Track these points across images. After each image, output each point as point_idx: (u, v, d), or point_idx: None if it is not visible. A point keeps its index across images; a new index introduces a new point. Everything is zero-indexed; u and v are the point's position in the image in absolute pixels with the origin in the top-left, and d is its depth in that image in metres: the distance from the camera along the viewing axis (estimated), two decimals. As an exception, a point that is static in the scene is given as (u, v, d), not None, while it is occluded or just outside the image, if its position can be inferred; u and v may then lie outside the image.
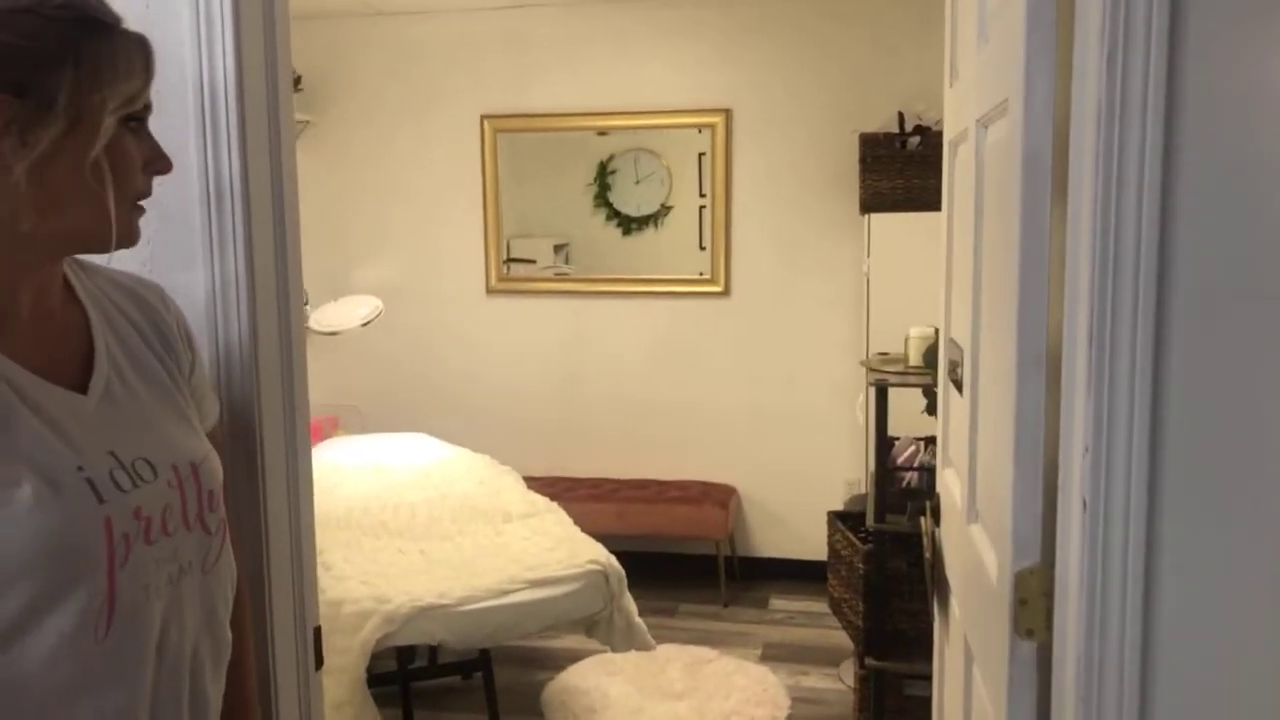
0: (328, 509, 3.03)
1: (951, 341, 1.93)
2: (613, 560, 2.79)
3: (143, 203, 1.06)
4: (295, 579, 1.45)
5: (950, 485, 1.96)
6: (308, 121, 4.86)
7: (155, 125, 1.33)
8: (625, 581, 2.79)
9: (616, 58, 4.70)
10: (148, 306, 1.15)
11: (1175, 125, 1.09)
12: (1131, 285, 1.11)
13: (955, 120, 1.92)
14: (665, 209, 4.82)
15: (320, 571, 2.70)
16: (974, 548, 1.66)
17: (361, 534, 2.90)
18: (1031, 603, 1.34)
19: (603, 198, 4.90)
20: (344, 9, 4.72)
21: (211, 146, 1.34)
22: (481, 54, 4.78)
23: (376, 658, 2.84)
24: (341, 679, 2.39)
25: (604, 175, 4.87)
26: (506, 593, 2.55)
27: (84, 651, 0.95)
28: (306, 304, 4.48)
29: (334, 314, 4.04)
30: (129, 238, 1.03)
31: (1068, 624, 1.24)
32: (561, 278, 4.95)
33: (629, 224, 4.90)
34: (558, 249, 5.08)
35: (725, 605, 4.49)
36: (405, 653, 3.13)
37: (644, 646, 2.85)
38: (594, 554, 2.80)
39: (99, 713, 0.97)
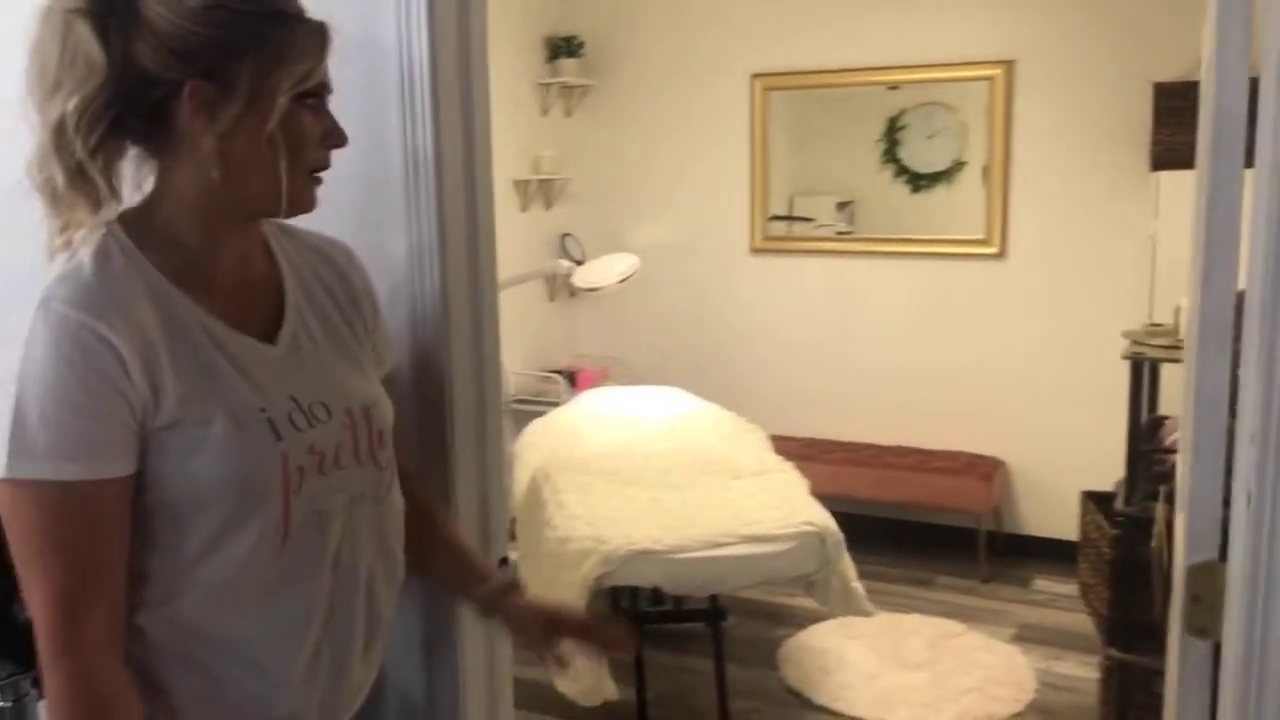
0: (570, 453, 3.23)
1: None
2: (830, 523, 2.79)
3: (335, 172, 1.19)
4: (480, 517, 1.58)
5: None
6: (589, 86, 5.09)
7: (363, 101, 1.50)
8: (843, 545, 2.77)
9: (892, 11, 4.56)
10: (336, 267, 1.30)
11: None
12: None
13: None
14: (958, 165, 4.61)
15: (555, 509, 2.90)
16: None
17: (596, 478, 3.07)
18: (1205, 600, 1.24)
19: (891, 154, 4.76)
20: (626, -25, 4.89)
21: (410, 121, 1.47)
22: (754, 13, 4.79)
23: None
24: (563, 612, 2.57)
25: (893, 131, 4.73)
26: (719, 545, 2.63)
27: (266, 562, 1.12)
28: (580, 261, 4.74)
29: (594, 272, 4.24)
30: (303, 205, 1.16)
31: (1230, 623, 1.14)
32: (822, 237, 4.90)
33: (918, 181, 4.74)
34: (841, 206, 5.02)
35: (984, 581, 4.32)
36: (645, 597, 3.29)
37: (861, 612, 2.83)
38: (811, 515, 2.80)
39: (284, 612, 1.15)
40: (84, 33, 1.03)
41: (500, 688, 1.63)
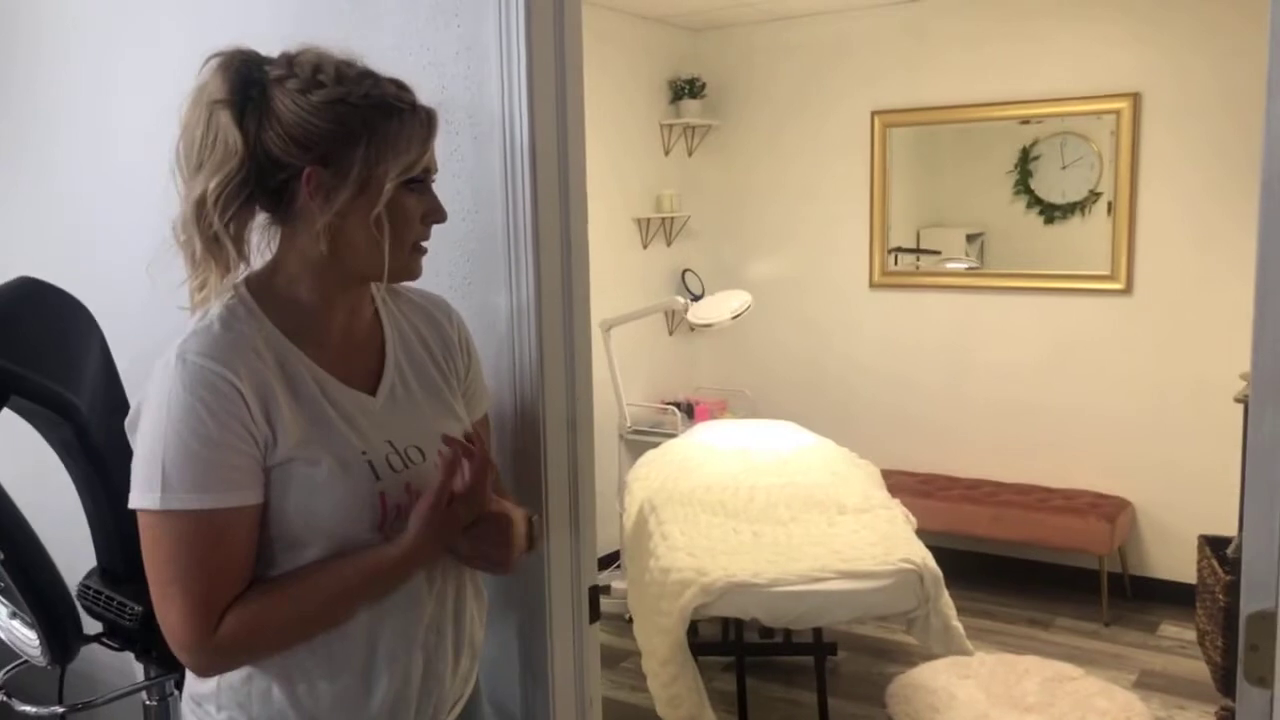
0: (677, 486, 3.33)
1: None
2: (929, 560, 2.80)
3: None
4: (573, 547, 1.71)
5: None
6: (710, 125, 5.23)
7: (471, 167, 1.66)
8: (942, 583, 2.79)
9: (1011, 46, 4.55)
10: (435, 322, 1.45)
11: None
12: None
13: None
14: (1094, 195, 4.55)
15: (659, 540, 3.01)
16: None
17: (700, 510, 3.16)
18: (1262, 649, 1.26)
19: (1024, 184, 4.74)
20: (749, 17, 5.01)
21: (511, 188, 1.62)
22: (874, 52, 4.85)
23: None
24: (665, 639, 2.66)
25: (1026, 161, 4.71)
26: (817, 580, 2.68)
27: None
28: (699, 297, 4.86)
29: (708, 308, 4.35)
30: (406, 275, 1.32)
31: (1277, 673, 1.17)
32: (942, 272, 4.89)
33: (1052, 212, 4.70)
34: (971, 239, 5.01)
35: (1106, 624, 4.22)
36: (755, 629, 3.36)
37: (961, 651, 2.84)
38: (910, 553, 2.83)
39: (384, 629, 1.29)
40: (225, 121, 1.19)
41: (588, 700, 1.74)
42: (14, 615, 1.64)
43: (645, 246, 5.09)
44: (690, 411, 4.96)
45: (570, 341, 1.68)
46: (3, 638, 1.63)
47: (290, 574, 1.24)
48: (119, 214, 2.17)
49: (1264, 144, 1.22)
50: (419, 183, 1.27)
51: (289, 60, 1.23)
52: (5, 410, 1.52)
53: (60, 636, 1.44)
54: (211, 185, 1.19)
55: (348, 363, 1.31)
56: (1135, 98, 4.32)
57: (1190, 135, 4.21)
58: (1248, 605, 1.27)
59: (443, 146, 1.68)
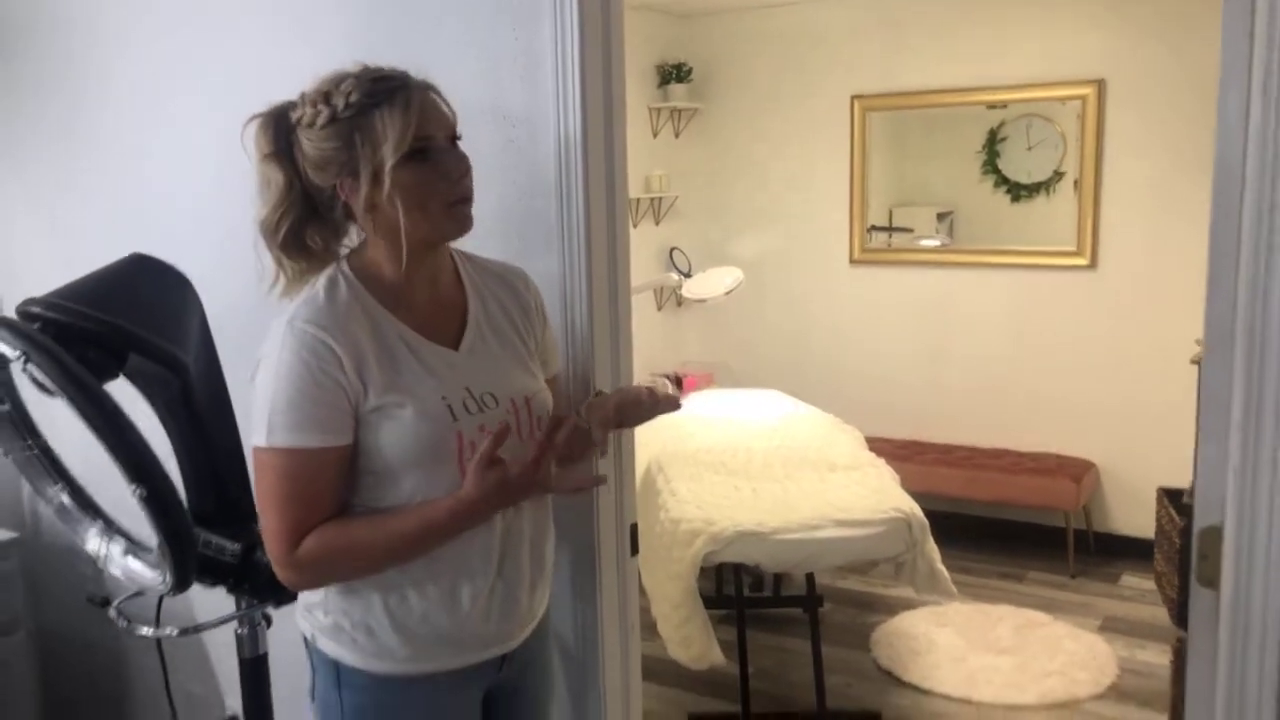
0: (680, 447, 3.58)
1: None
2: (916, 509, 3.07)
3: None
4: (616, 489, 1.95)
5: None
6: (696, 109, 5.45)
7: (528, 152, 1.87)
8: (928, 530, 3.06)
9: (984, 35, 4.80)
10: (514, 289, 1.67)
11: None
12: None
13: None
14: (1058, 175, 4.81)
15: (668, 495, 3.26)
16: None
17: (704, 469, 3.42)
18: (1210, 557, 1.52)
19: (992, 164, 4.99)
20: (734, 4, 5.23)
21: (565, 182, 1.84)
22: (854, 39, 5.09)
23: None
24: (677, 584, 2.92)
25: (994, 142, 4.96)
26: (815, 528, 2.94)
27: None
28: (688, 274, 5.10)
29: (702, 284, 4.58)
30: (447, 234, 1.51)
31: (1224, 573, 1.43)
32: (918, 249, 5.16)
33: (1018, 191, 4.96)
34: (941, 217, 5.26)
35: (1073, 576, 4.53)
36: (747, 584, 3.60)
37: (945, 593, 3.10)
38: (899, 503, 3.09)
39: (465, 554, 1.51)
40: (270, 169, 1.47)
41: (630, 625, 1.99)
42: (127, 552, 1.85)
43: (635, 225, 5.31)
44: (679, 383, 5.20)
45: (615, 310, 1.91)
46: (117, 573, 1.84)
47: (368, 513, 1.47)
48: (187, 200, 2.37)
49: (1216, 137, 1.47)
50: (420, 153, 1.42)
51: (302, 100, 1.47)
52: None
53: (184, 568, 1.65)
54: (263, 215, 1.47)
55: (433, 322, 1.53)
56: (1100, 84, 4.59)
57: (1152, 119, 4.49)
58: (1200, 521, 1.53)
59: (498, 136, 1.91)
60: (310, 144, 1.43)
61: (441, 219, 1.47)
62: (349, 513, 1.47)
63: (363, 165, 1.41)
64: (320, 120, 1.42)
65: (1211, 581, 1.52)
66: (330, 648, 1.54)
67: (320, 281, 1.49)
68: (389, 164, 1.39)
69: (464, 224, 1.50)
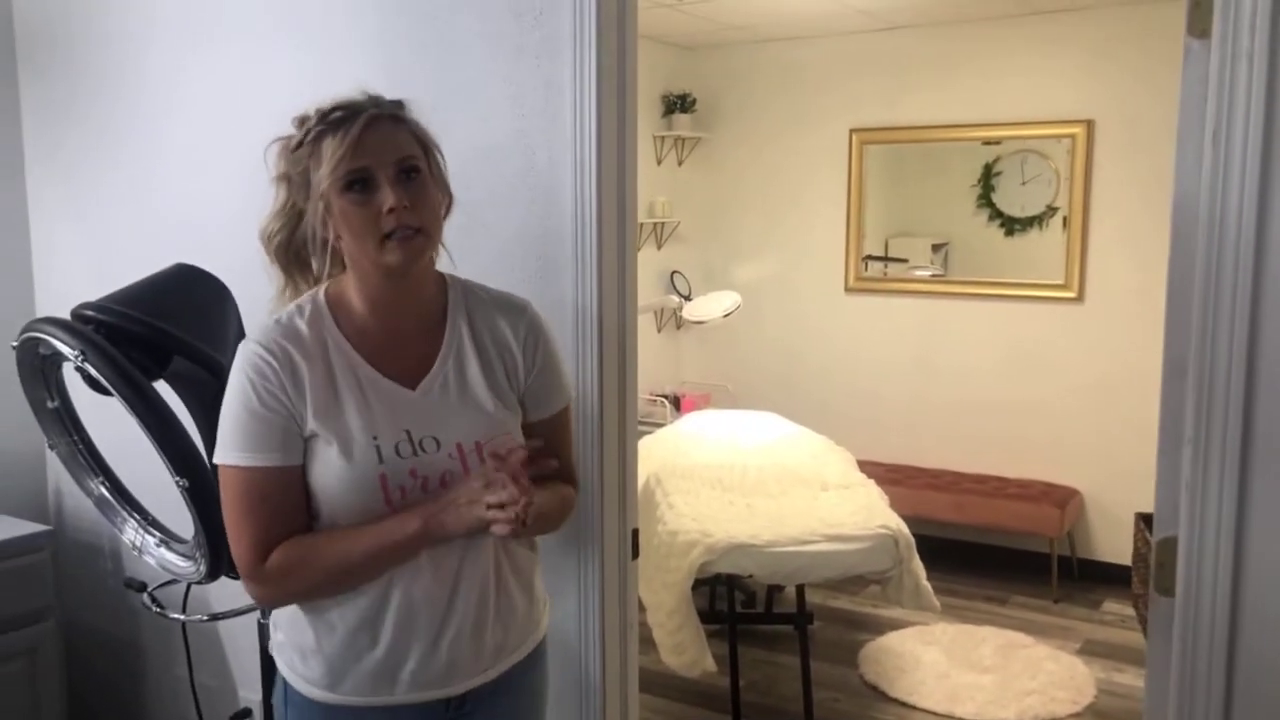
0: (678, 463, 3.72)
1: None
2: (903, 527, 3.21)
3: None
4: (620, 497, 2.08)
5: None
6: (699, 138, 5.62)
7: (545, 180, 2.02)
8: (914, 547, 3.19)
9: (979, 75, 4.97)
10: (501, 323, 1.58)
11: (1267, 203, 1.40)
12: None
13: None
14: (1051, 210, 4.95)
15: (666, 508, 3.39)
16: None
17: (701, 484, 3.56)
18: (1168, 566, 1.65)
19: (986, 198, 5.14)
20: (739, 38, 5.40)
21: (580, 205, 1.99)
22: (854, 75, 5.26)
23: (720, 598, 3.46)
24: (673, 592, 3.05)
25: (989, 176, 5.11)
26: (806, 542, 3.07)
27: None
28: (688, 297, 5.24)
29: (702, 307, 4.73)
30: (386, 268, 1.44)
31: (1178, 581, 1.57)
32: (912, 279, 5.31)
33: (1012, 225, 5.11)
34: (936, 248, 5.41)
35: (1056, 601, 4.65)
36: (739, 601, 3.72)
37: (929, 608, 3.23)
38: (887, 520, 3.23)
39: (403, 595, 1.47)
40: (278, 187, 1.51)
41: (629, 623, 2.12)
42: (161, 543, 1.98)
43: (638, 250, 5.44)
44: (677, 403, 5.34)
45: (623, 329, 2.05)
46: (152, 562, 1.97)
47: (330, 530, 1.46)
48: (220, 210, 2.51)
49: (1174, 185, 1.62)
50: (360, 183, 1.42)
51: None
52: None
53: (218, 558, 1.78)
54: (263, 224, 1.53)
55: (394, 358, 1.50)
56: (1089, 124, 4.76)
57: (1138, 159, 4.65)
58: (1158, 534, 1.66)
59: (518, 163, 2.06)
60: (295, 167, 1.46)
61: (376, 251, 1.43)
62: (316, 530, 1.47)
63: (313, 192, 1.44)
64: (292, 145, 1.47)
65: (1169, 589, 1.65)
66: (280, 664, 1.57)
67: (295, 303, 1.52)
68: (327, 191, 1.42)
69: (405, 256, 1.44)
